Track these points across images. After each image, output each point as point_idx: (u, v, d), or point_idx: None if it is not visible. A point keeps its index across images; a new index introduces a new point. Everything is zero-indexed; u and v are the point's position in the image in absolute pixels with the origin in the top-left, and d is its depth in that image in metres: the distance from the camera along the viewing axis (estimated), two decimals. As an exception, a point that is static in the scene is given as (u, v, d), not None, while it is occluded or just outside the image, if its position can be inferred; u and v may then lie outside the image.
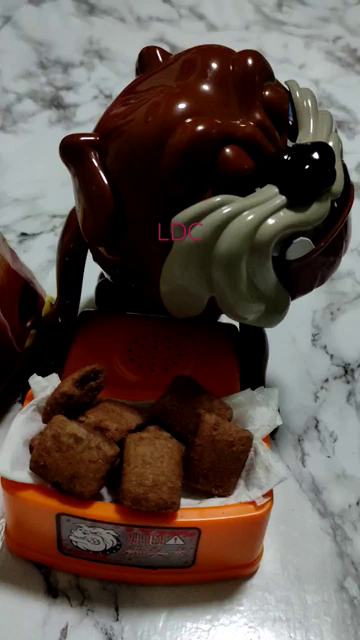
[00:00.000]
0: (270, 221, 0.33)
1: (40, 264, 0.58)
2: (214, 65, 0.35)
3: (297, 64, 0.93)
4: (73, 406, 0.36)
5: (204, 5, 1.02)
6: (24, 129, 0.75)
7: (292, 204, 0.34)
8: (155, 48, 0.39)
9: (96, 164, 0.36)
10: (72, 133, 0.36)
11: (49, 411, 0.36)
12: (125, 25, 0.97)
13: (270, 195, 0.34)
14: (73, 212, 0.42)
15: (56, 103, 0.80)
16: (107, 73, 0.86)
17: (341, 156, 0.37)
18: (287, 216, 0.34)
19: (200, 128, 0.32)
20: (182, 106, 0.33)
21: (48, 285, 0.49)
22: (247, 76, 0.35)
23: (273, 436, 0.47)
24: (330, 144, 0.35)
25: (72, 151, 0.36)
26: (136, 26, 0.97)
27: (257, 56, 0.35)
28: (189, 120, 0.33)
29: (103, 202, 0.35)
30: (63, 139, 0.36)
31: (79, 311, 0.47)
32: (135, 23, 0.97)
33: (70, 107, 0.79)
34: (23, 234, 0.62)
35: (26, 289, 0.46)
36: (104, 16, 0.98)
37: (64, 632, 0.37)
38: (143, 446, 0.35)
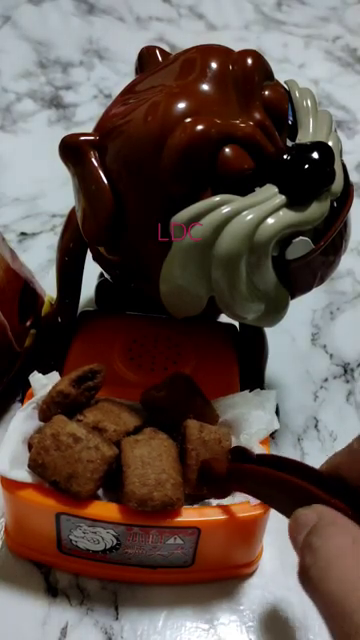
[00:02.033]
0: (269, 221, 0.33)
1: (40, 264, 0.58)
2: (214, 65, 0.35)
3: (297, 64, 0.93)
4: (69, 405, 0.36)
5: (204, 5, 1.02)
6: (24, 129, 0.75)
7: (292, 204, 0.34)
8: (155, 48, 0.39)
9: (96, 164, 0.36)
10: (72, 133, 0.36)
11: (45, 409, 0.37)
12: (125, 25, 0.97)
13: (269, 195, 0.34)
14: (73, 212, 0.42)
15: (56, 103, 0.80)
16: (107, 73, 0.86)
17: (340, 156, 0.37)
18: (286, 216, 0.34)
19: (199, 128, 0.32)
20: (181, 106, 0.33)
21: (48, 285, 0.49)
22: (247, 76, 0.35)
23: (273, 436, 0.47)
24: (330, 144, 0.35)
25: (72, 151, 0.36)
26: (136, 26, 0.97)
27: (256, 56, 0.35)
28: (189, 120, 0.33)
29: (103, 202, 0.35)
30: (63, 139, 0.36)
31: (79, 311, 0.47)
32: (135, 23, 0.97)
33: (70, 107, 0.79)
34: (23, 234, 0.62)
35: (26, 289, 0.46)
36: (104, 16, 0.98)
37: (64, 631, 0.37)
38: (139, 447, 0.35)
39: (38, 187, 0.67)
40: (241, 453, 0.34)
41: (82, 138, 0.36)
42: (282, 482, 0.29)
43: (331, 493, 0.27)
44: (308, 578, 0.23)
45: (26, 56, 0.87)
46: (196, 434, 0.36)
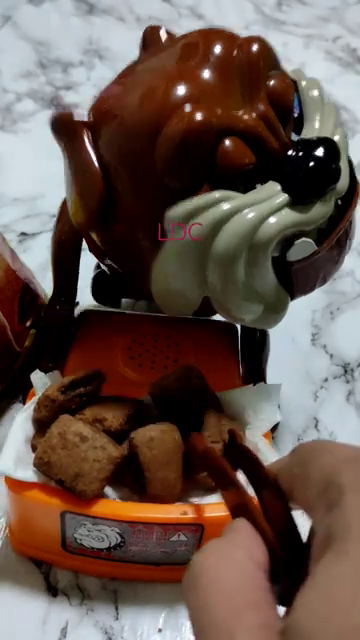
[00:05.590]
0: (271, 220, 0.32)
1: (40, 264, 0.58)
2: (217, 50, 0.32)
3: (297, 63, 0.92)
4: (57, 410, 0.36)
5: (204, 5, 1.02)
6: (24, 129, 0.75)
7: (295, 203, 0.32)
8: (159, 27, 0.36)
9: (87, 144, 0.34)
10: (63, 111, 0.35)
11: (37, 410, 0.37)
12: (125, 25, 0.97)
13: (272, 192, 0.32)
14: (65, 203, 0.41)
15: (56, 103, 0.80)
16: (107, 73, 0.85)
17: (346, 152, 0.35)
18: (289, 215, 0.32)
19: (199, 117, 0.30)
20: (180, 91, 0.31)
21: (48, 285, 0.49)
22: (251, 63, 0.32)
23: (273, 434, 0.47)
24: (336, 139, 0.33)
25: (63, 125, 0.34)
26: (136, 26, 0.97)
27: (262, 43, 0.33)
28: (187, 107, 0.30)
29: (93, 185, 0.33)
30: (53, 114, 0.34)
31: (78, 311, 0.47)
32: (135, 23, 0.97)
33: (70, 107, 0.79)
34: (23, 234, 0.62)
35: (25, 289, 0.46)
36: (104, 16, 0.98)
37: (64, 631, 0.36)
38: (155, 447, 0.34)
39: (38, 187, 0.67)
40: (233, 442, 0.33)
41: (75, 119, 0.34)
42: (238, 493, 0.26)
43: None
44: (184, 587, 0.24)
45: (26, 56, 0.87)
46: (213, 422, 0.36)
